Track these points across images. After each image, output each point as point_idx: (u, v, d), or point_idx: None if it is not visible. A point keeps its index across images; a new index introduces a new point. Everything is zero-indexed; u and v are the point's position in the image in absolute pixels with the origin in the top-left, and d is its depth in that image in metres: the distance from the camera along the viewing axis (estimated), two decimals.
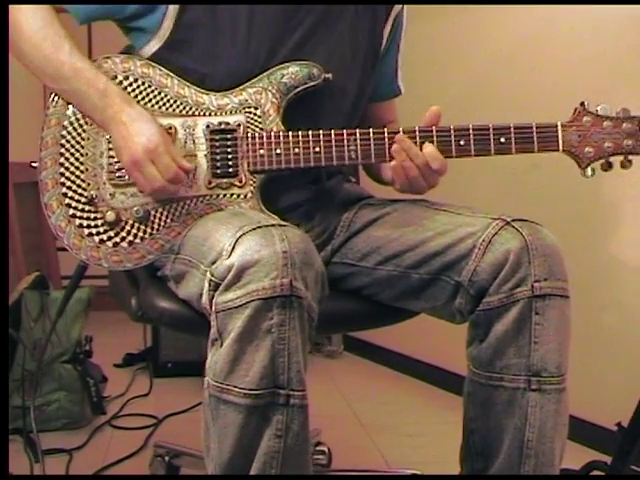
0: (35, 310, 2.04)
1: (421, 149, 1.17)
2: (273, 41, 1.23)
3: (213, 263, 1.01)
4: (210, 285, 0.99)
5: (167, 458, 1.67)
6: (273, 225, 1.01)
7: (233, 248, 0.98)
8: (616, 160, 1.18)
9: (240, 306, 0.95)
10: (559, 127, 1.18)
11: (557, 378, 1.07)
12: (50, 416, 1.97)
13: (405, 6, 1.39)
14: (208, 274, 1.00)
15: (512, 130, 1.18)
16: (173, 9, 1.21)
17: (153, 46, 1.23)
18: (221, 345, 0.98)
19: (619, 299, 1.92)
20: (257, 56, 1.22)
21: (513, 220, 1.12)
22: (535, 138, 1.18)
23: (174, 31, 1.22)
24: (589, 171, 1.18)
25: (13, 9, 1.20)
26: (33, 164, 1.22)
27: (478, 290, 1.10)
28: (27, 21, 1.19)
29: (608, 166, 1.18)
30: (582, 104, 1.18)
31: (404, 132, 1.18)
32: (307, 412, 0.98)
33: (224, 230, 1.05)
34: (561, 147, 1.18)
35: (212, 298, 0.99)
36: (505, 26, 2.21)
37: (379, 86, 1.41)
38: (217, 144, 1.20)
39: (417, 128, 1.18)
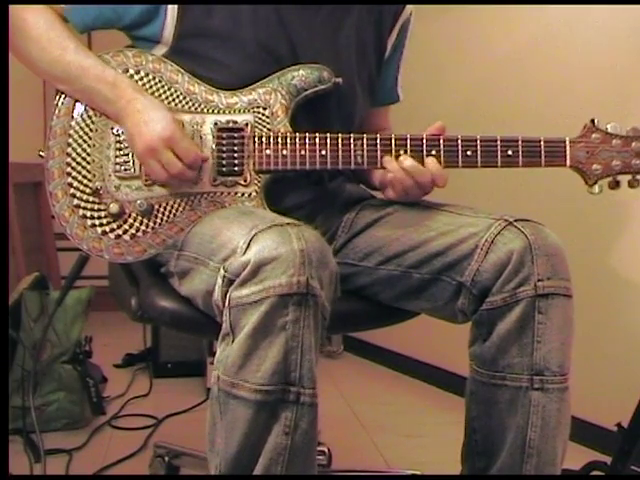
0: (35, 310, 2.04)
1: (423, 159, 1.17)
2: (279, 46, 1.23)
3: (225, 260, 1.01)
4: (224, 281, 0.99)
5: (167, 458, 1.66)
6: (288, 224, 1.01)
7: (248, 245, 0.98)
8: (624, 179, 1.18)
9: (255, 302, 0.95)
10: (567, 142, 1.18)
11: (560, 377, 1.07)
12: (50, 416, 1.96)
13: (414, 13, 1.39)
14: (221, 270, 1.00)
15: (520, 143, 1.18)
16: (171, 19, 1.21)
17: (159, 51, 1.24)
18: (233, 340, 0.98)
19: (620, 299, 1.92)
20: (263, 62, 1.23)
21: (515, 220, 1.12)
22: (542, 152, 1.18)
23: (176, 40, 1.22)
24: (596, 188, 1.19)
25: (17, 16, 1.21)
26: (41, 153, 1.22)
27: (481, 290, 1.11)
28: (32, 26, 1.21)
29: (615, 184, 1.19)
30: (592, 121, 1.18)
31: (411, 139, 1.18)
32: (317, 410, 0.98)
33: (235, 228, 1.05)
34: (568, 163, 1.18)
35: (225, 294, 0.99)
36: (508, 28, 2.20)
37: (378, 92, 1.41)
38: (224, 142, 1.20)
39: (424, 136, 1.18)
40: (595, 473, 1.55)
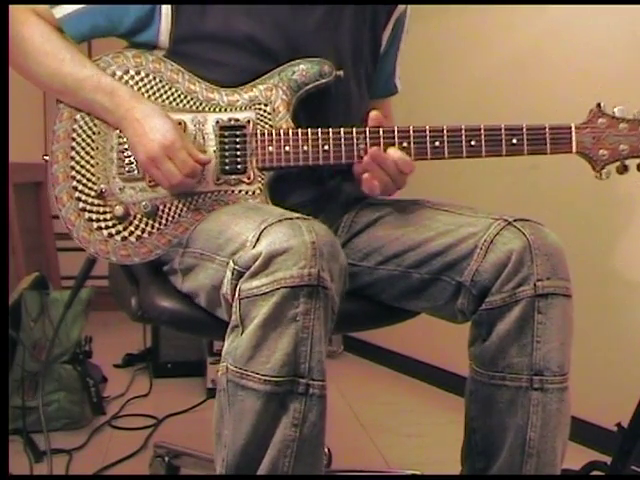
0: (35, 310, 2.04)
1: (427, 150, 1.16)
2: (275, 46, 1.23)
3: (233, 254, 1.01)
4: (233, 274, 0.99)
5: (167, 458, 1.66)
6: (298, 217, 1.01)
7: (258, 239, 0.98)
8: (632, 163, 1.17)
9: (266, 293, 0.95)
10: (573, 128, 1.17)
11: (559, 377, 1.07)
12: (50, 416, 1.95)
13: (409, 7, 1.39)
14: (231, 263, 1.00)
15: (524, 131, 1.17)
16: (166, 24, 1.22)
17: (158, 54, 1.24)
18: (242, 332, 0.97)
19: (619, 299, 1.92)
20: (261, 59, 1.23)
21: (515, 220, 1.12)
22: (548, 139, 1.17)
23: (172, 45, 1.23)
24: (604, 174, 1.17)
25: (13, 32, 1.21)
26: (45, 157, 1.22)
27: (480, 290, 1.11)
28: (28, 41, 1.21)
29: (624, 169, 1.17)
30: (598, 105, 1.17)
31: (414, 131, 1.18)
32: (325, 402, 0.98)
33: (243, 223, 1.05)
34: (574, 149, 1.17)
35: (235, 287, 0.99)
36: (509, 28, 2.20)
37: (377, 84, 1.42)
38: (226, 140, 1.20)
39: (427, 127, 1.18)
40: (595, 473, 1.55)
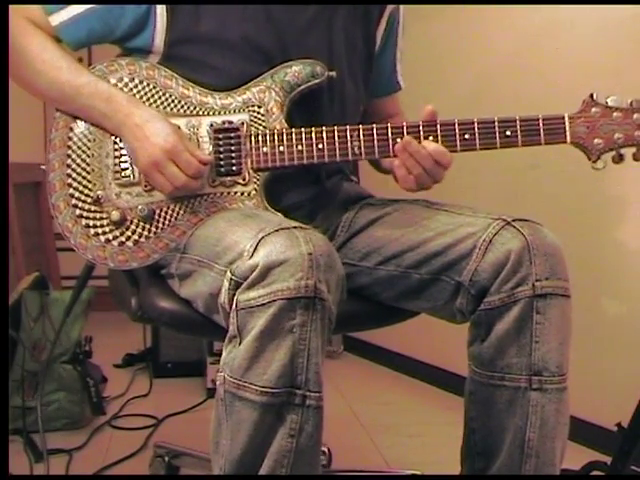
0: (35, 310, 2.04)
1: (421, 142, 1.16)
2: (269, 44, 1.23)
3: (231, 263, 1.01)
4: (230, 284, 0.99)
5: (167, 458, 1.67)
6: (295, 227, 1.01)
7: (255, 249, 0.98)
8: (628, 152, 1.16)
9: (263, 305, 0.95)
10: (566, 118, 1.16)
11: (558, 377, 1.07)
12: (50, 416, 1.96)
13: (402, 5, 1.40)
14: (228, 273, 1.00)
15: (518, 123, 1.17)
16: (161, 27, 1.22)
17: (152, 60, 1.24)
18: (240, 343, 0.98)
19: (619, 299, 1.92)
20: (254, 61, 1.23)
21: (514, 220, 1.12)
22: (542, 130, 1.16)
23: (167, 48, 1.23)
24: (600, 163, 1.16)
25: (13, 38, 1.21)
26: (42, 167, 1.23)
27: (479, 290, 1.11)
28: (26, 51, 1.21)
29: (619, 158, 1.16)
30: (591, 96, 1.17)
31: (407, 127, 1.17)
32: (322, 413, 0.98)
33: (241, 232, 1.05)
34: (569, 139, 1.16)
35: (232, 296, 0.99)
36: (507, 26, 2.20)
37: (378, 83, 1.41)
38: (221, 143, 1.20)
39: (420, 123, 1.17)
40: (595, 473, 1.54)
